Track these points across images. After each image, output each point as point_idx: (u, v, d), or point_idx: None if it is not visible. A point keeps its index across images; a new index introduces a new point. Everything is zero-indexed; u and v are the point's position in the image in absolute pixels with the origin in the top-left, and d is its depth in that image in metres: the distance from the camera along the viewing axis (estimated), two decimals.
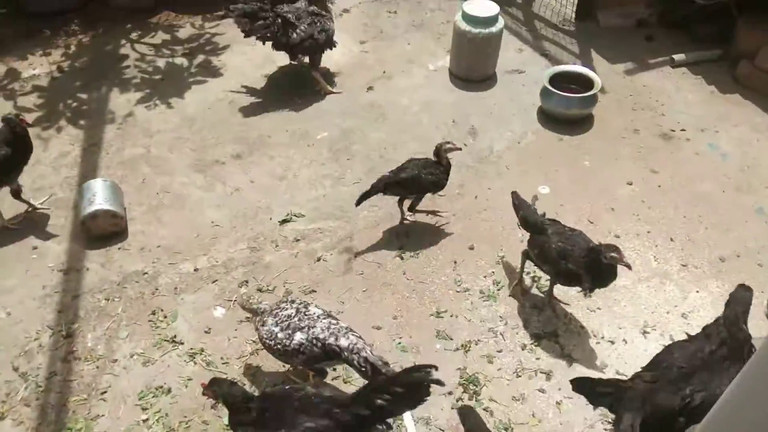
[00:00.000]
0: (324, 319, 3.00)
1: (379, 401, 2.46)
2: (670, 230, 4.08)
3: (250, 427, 2.63)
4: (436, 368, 2.45)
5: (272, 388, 3.09)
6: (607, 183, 4.42)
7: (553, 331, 3.52)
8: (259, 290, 3.70)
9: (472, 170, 4.49)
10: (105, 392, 3.25)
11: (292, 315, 3.01)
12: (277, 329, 2.98)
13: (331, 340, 2.91)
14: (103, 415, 3.16)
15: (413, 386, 2.45)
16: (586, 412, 3.15)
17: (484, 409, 3.16)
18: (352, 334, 2.94)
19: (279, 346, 2.98)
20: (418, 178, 3.82)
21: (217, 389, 2.71)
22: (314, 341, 2.92)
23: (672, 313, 3.61)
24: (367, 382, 2.80)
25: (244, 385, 3.22)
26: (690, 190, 4.37)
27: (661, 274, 3.82)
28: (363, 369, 2.84)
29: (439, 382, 2.45)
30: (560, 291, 3.60)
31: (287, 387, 2.76)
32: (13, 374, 3.32)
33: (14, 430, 3.12)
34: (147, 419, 3.14)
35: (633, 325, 3.55)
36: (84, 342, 3.46)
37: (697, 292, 3.73)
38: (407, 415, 3.11)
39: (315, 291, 3.71)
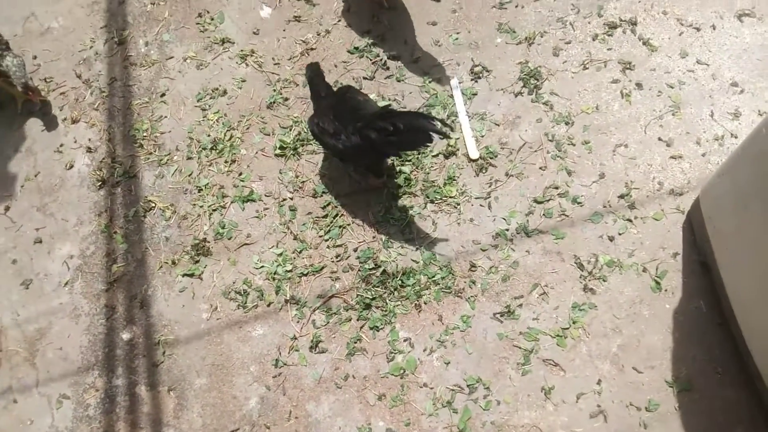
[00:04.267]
0: None
1: (381, 125, 2.49)
2: None
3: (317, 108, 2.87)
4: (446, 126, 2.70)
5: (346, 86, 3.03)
6: None
7: (631, 18, 3.13)
8: None
9: None
10: (164, 94, 3.31)
11: None
12: None
13: None
14: (165, 117, 3.26)
15: (414, 128, 2.47)
16: (654, 103, 2.94)
17: (544, 104, 3.01)
18: None
19: None
20: None
21: (307, 71, 2.91)
22: None
23: None
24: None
25: (296, 86, 3.20)
26: None
27: None
28: None
29: (441, 133, 2.47)
30: None
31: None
32: (77, 81, 3.39)
33: (89, 131, 3.30)
34: (207, 118, 3.23)
35: (727, 8, 3.09)
36: (137, 48, 3.44)
37: None
38: (461, 108, 3.02)
39: None
